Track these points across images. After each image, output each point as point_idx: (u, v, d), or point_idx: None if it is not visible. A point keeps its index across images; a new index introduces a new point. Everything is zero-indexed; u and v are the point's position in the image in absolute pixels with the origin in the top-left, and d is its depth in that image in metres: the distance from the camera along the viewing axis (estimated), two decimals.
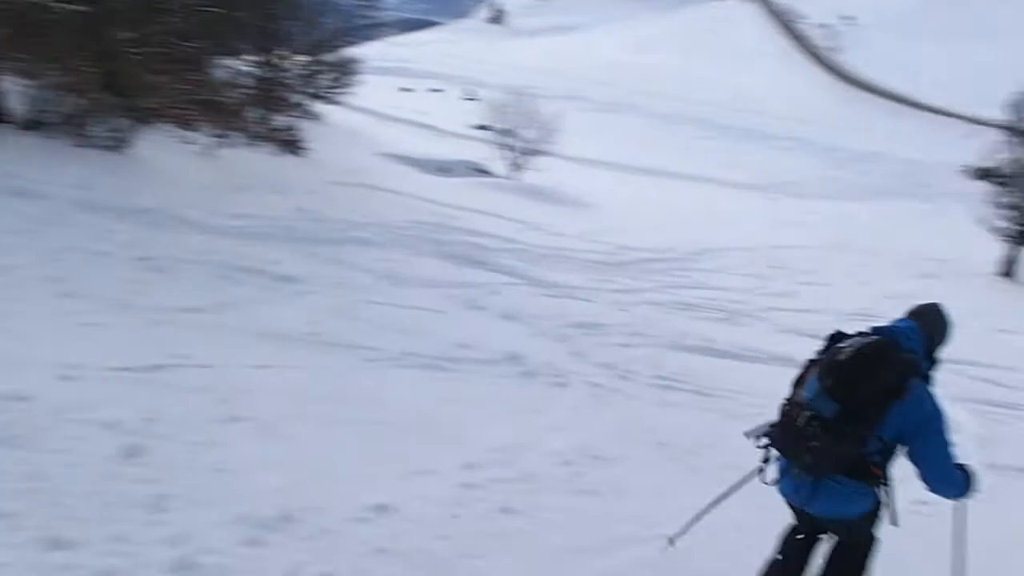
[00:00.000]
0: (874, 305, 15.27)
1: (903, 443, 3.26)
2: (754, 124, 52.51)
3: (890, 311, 13.14)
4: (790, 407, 3.37)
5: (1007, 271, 23.56)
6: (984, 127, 38.15)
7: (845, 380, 3.17)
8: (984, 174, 32.55)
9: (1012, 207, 23.57)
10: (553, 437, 6.30)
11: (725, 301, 13.08)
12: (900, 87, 77.47)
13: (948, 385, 11.27)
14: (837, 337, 3.45)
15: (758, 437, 3.58)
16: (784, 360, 10.42)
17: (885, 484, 3.34)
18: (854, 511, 3.39)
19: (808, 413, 3.21)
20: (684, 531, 4.32)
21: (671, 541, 4.32)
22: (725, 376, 9.12)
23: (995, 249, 23.79)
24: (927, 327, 3.52)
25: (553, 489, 5.43)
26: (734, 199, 28.46)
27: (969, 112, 62.27)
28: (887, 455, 3.30)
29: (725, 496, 4.14)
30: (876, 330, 3.44)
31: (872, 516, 3.47)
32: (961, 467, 3.37)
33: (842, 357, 3.22)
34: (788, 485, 3.44)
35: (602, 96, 52.29)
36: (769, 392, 8.79)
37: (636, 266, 14.42)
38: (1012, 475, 7.26)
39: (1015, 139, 23.78)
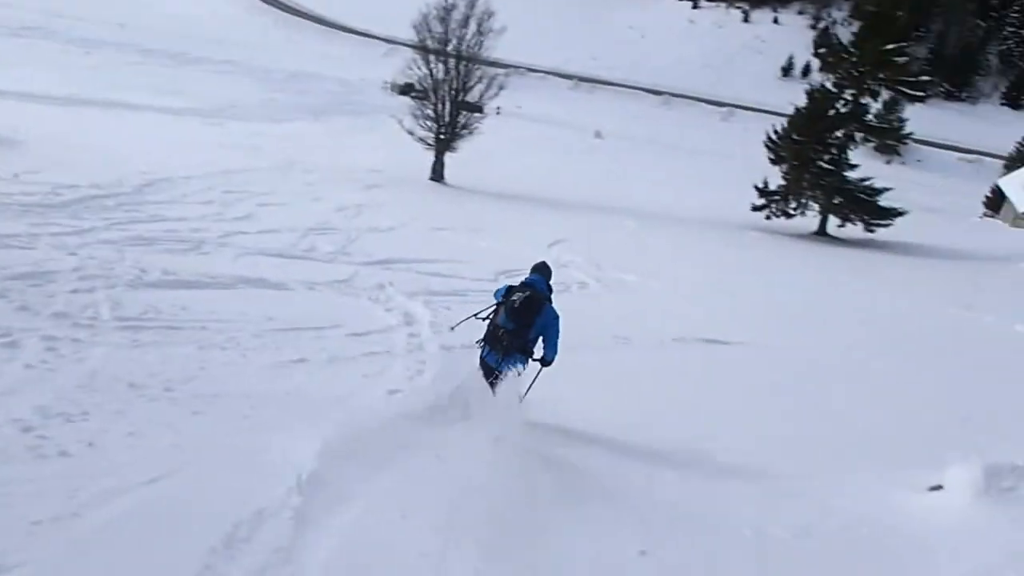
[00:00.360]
0: (330, 218, 16.14)
1: (540, 334, 6.56)
2: (185, 48, 50.40)
3: (343, 222, 14.01)
4: (494, 327, 6.58)
5: (436, 176, 26.48)
6: (399, 46, 41.51)
7: (519, 316, 6.41)
8: (404, 89, 35.76)
9: (430, 118, 26.33)
10: (8, 403, 5.64)
11: (185, 231, 12.66)
12: (320, 10, 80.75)
13: (402, 284, 12.39)
14: (510, 288, 6.60)
15: (479, 342, 6.72)
16: (253, 281, 10.55)
17: (532, 356, 6.61)
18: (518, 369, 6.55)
19: (503, 330, 6.48)
20: (461, 322, 7.24)
21: (452, 328, 7.50)
22: (194, 307, 8.94)
23: (425, 156, 26.48)
24: (545, 275, 6.87)
25: (14, 460, 4.90)
26: (178, 127, 27.00)
27: (385, 33, 67.54)
28: (534, 342, 6.59)
29: (476, 314, 6.96)
30: (526, 285, 6.62)
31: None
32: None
33: (517, 305, 6.41)
34: (491, 358, 6.52)
35: (3, 19, 45.19)
36: (240, 315, 8.90)
37: (80, 205, 13.10)
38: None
39: (423, 56, 26.26)
